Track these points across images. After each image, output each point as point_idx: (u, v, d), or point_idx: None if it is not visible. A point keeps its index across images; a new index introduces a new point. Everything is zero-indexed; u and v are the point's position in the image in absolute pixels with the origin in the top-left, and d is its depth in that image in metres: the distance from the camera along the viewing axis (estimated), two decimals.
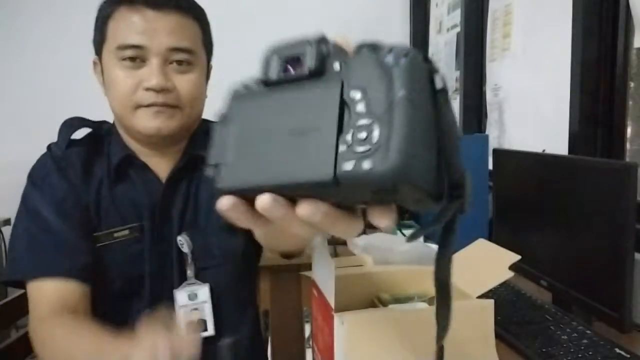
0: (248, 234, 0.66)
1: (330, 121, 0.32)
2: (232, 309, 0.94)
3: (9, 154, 2.70)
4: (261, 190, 0.34)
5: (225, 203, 0.36)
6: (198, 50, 0.89)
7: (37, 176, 0.89)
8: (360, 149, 0.30)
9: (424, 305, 0.78)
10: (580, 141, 1.34)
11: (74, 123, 0.93)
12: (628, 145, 1.33)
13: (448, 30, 2.38)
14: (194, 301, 0.89)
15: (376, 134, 0.30)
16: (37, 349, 0.81)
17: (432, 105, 0.33)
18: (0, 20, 2.67)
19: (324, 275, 0.78)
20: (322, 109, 0.32)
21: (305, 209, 0.34)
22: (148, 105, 0.84)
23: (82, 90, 2.68)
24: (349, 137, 0.31)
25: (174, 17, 0.85)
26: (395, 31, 2.95)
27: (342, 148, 0.31)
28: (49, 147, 0.92)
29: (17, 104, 2.67)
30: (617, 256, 0.88)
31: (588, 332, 0.92)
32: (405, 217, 1.75)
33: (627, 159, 1.32)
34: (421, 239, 1.62)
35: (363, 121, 0.31)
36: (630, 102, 1.32)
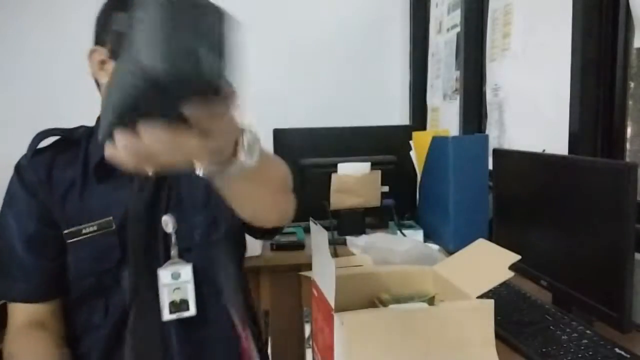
0: (232, 214, 0.74)
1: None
2: (214, 291, 0.96)
3: (9, 154, 2.70)
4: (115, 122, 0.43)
5: (110, 151, 0.45)
6: None
7: (7, 192, 0.96)
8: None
9: (424, 305, 0.78)
10: (580, 141, 1.34)
11: (41, 135, 0.97)
12: (628, 145, 1.33)
13: (448, 30, 2.38)
14: (177, 280, 0.92)
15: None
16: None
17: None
18: (0, 21, 2.67)
19: (324, 276, 0.78)
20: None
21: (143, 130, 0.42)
22: None
23: (82, 90, 2.68)
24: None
25: None
26: (395, 31, 2.95)
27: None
28: (18, 162, 0.97)
29: (17, 105, 2.67)
30: (617, 256, 0.88)
31: (588, 332, 0.92)
32: (405, 217, 1.75)
33: (627, 159, 1.31)
34: (421, 238, 1.63)
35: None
36: (630, 102, 1.32)
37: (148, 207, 0.94)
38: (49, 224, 0.92)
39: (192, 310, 0.93)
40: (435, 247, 1.48)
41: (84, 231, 0.92)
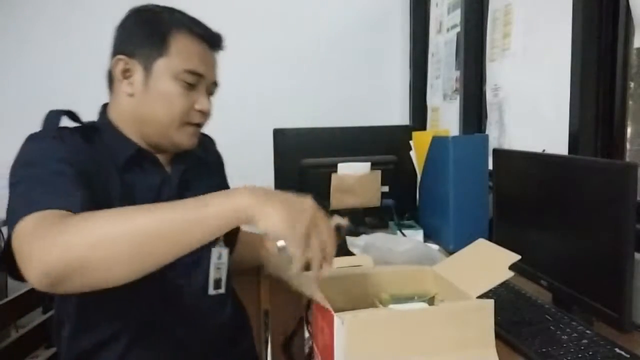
0: None
1: None
2: (229, 274, 1.06)
3: (9, 154, 2.70)
4: None
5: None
6: None
7: (25, 154, 0.87)
8: None
9: (424, 305, 0.78)
10: (580, 141, 1.34)
11: (58, 112, 0.97)
12: (628, 145, 1.33)
13: (448, 30, 2.38)
14: (219, 260, 1.01)
15: None
16: (50, 237, 0.68)
17: None
18: (1, 20, 2.67)
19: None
20: None
21: None
22: (195, 125, 0.98)
23: (82, 90, 2.68)
24: None
25: (215, 56, 1.01)
26: (395, 31, 2.95)
27: None
28: (31, 135, 0.91)
29: (17, 104, 2.67)
30: (617, 256, 0.88)
31: (588, 332, 0.92)
32: (405, 217, 1.75)
33: (627, 159, 1.32)
34: (421, 238, 1.63)
35: None
36: (630, 102, 1.32)
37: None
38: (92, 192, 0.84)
39: (223, 289, 1.02)
40: (435, 247, 1.48)
41: None
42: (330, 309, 0.75)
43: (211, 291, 1.00)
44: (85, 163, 0.86)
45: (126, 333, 0.92)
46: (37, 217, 0.71)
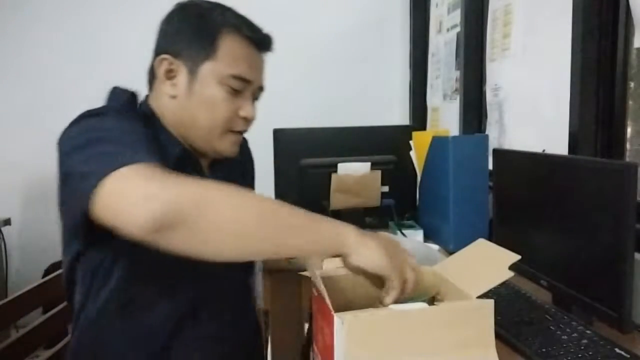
0: None
1: None
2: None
3: (9, 155, 2.70)
4: None
5: None
6: None
7: (89, 128, 0.78)
8: None
9: (423, 305, 0.78)
10: (580, 141, 1.34)
11: (124, 92, 0.91)
12: (628, 145, 1.33)
13: (448, 30, 2.38)
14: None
15: None
16: (165, 183, 0.64)
17: None
18: (1, 20, 2.67)
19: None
20: None
21: None
22: (238, 132, 0.94)
23: (82, 90, 2.68)
24: None
25: (263, 58, 0.96)
26: (395, 31, 2.95)
27: None
28: (94, 110, 0.83)
29: (17, 104, 2.67)
30: (617, 256, 0.88)
31: (588, 332, 0.92)
32: (405, 217, 1.75)
33: (627, 159, 1.32)
34: (421, 238, 1.63)
35: None
36: (630, 102, 1.32)
37: None
38: None
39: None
40: (435, 247, 1.48)
41: None
42: (331, 308, 0.75)
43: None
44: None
45: (175, 312, 0.88)
46: (136, 167, 0.66)
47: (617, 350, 0.85)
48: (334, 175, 1.63)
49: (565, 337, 0.92)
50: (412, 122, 2.83)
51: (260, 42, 0.93)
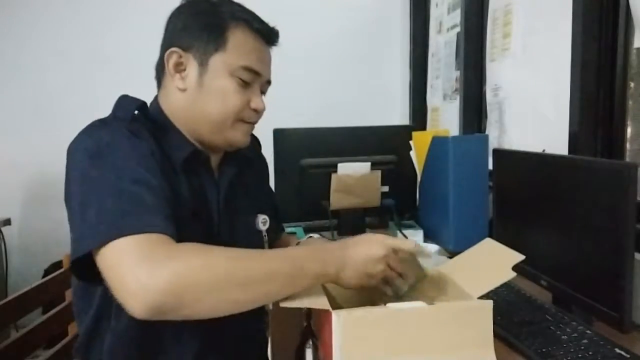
0: None
1: None
2: None
3: (9, 155, 2.71)
4: None
5: None
6: None
7: (101, 142, 0.79)
8: None
9: (421, 304, 0.78)
10: (580, 141, 1.34)
11: (134, 101, 0.89)
12: (628, 145, 1.33)
13: (448, 30, 2.38)
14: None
15: None
16: (163, 266, 0.67)
17: None
18: (1, 20, 2.67)
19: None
20: None
21: None
22: (249, 123, 0.96)
23: (82, 90, 2.68)
24: None
25: (270, 52, 0.98)
26: (395, 31, 2.95)
27: None
28: (104, 120, 0.85)
29: (17, 104, 2.67)
30: (617, 256, 0.88)
31: (588, 332, 0.92)
32: (405, 217, 1.75)
33: (627, 159, 1.32)
34: (421, 238, 1.63)
35: None
36: (630, 102, 1.32)
37: (234, 205, 0.99)
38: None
39: None
40: (435, 247, 1.48)
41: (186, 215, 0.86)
42: (329, 307, 0.75)
43: None
44: (159, 162, 0.82)
45: None
46: (139, 240, 0.70)
47: (617, 350, 0.85)
48: (334, 175, 1.63)
49: (565, 337, 0.92)
50: (412, 122, 2.83)
51: (269, 35, 0.95)
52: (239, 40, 0.90)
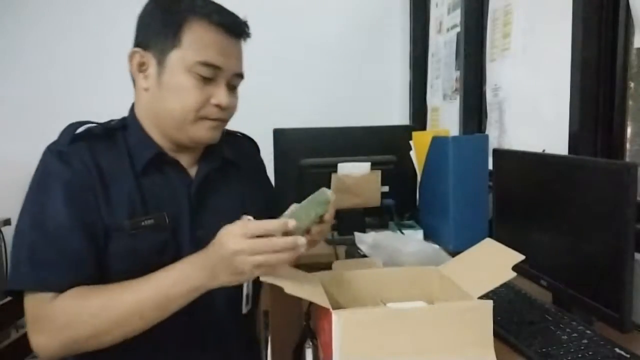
0: None
1: None
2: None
3: (9, 154, 2.70)
4: None
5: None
6: None
7: (44, 177, 0.88)
8: None
9: (421, 304, 0.78)
10: (580, 141, 1.34)
11: (76, 125, 0.93)
12: (628, 145, 1.33)
13: (448, 30, 2.38)
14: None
15: None
16: (51, 332, 0.82)
17: None
18: (1, 20, 2.67)
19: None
20: None
21: None
22: (212, 119, 0.93)
23: (82, 90, 2.68)
24: None
25: (239, 45, 0.95)
26: (395, 31, 2.95)
27: None
28: (48, 147, 0.91)
29: (17, 104, 2.67)
30: (617, 256, 0.88)
31: (588, 332, 0.92)
32: (405, 217, 1.75)
33: (627, 159, 1.32)
34: (421, 238, 1.63)
35: None
36: (630, 102, 1.32)
37: (200, 209, 0.97)
38: (98, 211, 0.88)
39: (250, 304, 1.00)
40: (435, 247, 1.48)
41: (142, 223, 0.90)
42: (329, 306, 0.75)
43: (244, 309, 0.98)
44: (92, 182, 0.88)
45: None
46: (32, 302, 0.84)
47: (617, 350, 0.85)
48: (334, 175, 1.62)
49: (565, 337, 0.92)
50: (412, 122, 2.83)
51: (232, 27, 0.91)
52: (195, 35, 0.89)
